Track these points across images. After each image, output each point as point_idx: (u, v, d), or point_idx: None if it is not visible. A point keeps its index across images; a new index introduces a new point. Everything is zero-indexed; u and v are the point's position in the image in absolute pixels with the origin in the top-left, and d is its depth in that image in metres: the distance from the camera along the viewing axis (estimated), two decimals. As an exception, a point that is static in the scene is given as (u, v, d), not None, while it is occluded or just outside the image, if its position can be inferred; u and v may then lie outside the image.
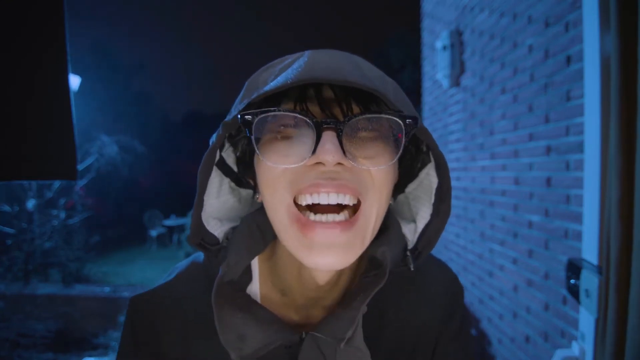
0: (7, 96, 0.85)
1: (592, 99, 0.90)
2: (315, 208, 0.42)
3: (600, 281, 0.83)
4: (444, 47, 3.06)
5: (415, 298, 0.54)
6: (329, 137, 0.38)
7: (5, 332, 4.23)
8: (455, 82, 3.05)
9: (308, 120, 0.38)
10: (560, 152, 1.75)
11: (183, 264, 0.55)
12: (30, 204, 5.97)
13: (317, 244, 0.40)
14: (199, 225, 0.46)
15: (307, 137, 0.39)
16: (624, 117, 0.74)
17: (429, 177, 0.49)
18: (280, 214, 0.42)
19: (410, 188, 0.53)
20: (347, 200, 0.41)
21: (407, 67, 12.61)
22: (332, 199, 0.40)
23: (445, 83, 3.16)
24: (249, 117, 0.39)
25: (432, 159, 0.47)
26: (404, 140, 0.40)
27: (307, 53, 0.44)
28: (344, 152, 0.38)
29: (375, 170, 0.41)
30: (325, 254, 0.40)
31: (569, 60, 1.68)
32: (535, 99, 1.95)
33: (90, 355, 4.24)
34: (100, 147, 7.73)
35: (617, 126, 0.75)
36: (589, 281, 0.87)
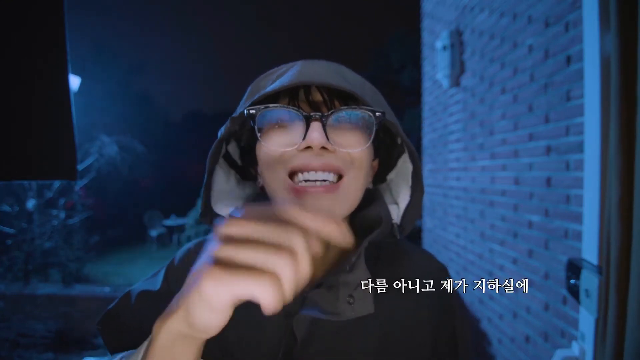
0: (7, 96, 0.85)
1: (592, 99, 0.90)
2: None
3: (600, 281, 0.83)
4: (444, 47, 3.06)
5: (406, 270, 0.58)
6: (315, 126, 0.48)
7: (5, 332, 4.23)
8: (455, 82, 3.06)
9: (299, 114, 0.48)
10: (560, 152, 1.75)
11: (194, 241, 0.65)
12: (30, 204, 5.97)
13: (307, 205, 0.46)
14: (208, 207, 0.56)
15: (298, 127, 0.49)
16: (624, 117, 0.74)
17: (405, 164, 0.60)
18: (278, 188, 0.51)
19: (391, 176, 0.63)
20: (331, 177, 0.50)
21: (407, 67, 12.60)
22: (319, 175, 0.50)
23: (445, 83, 3.16)
24: (253, 111, 0.49)
25: (405, 149, 0.58)
26: (374, 129, 0.50)
27: (299, 63, 0.54)
28: (327, 139, 0.48)
29: (354, 152, 0.50)
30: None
31: (569, 60, 1.68)
32: (535, 99, 1.95)
33: (90, 355, 4.23)
34: (100, 147, 7.72)
35: (617, 126, 0.75)
36: (589, 281, 0.87)
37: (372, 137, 0.50)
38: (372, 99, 0.53)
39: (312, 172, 0.49)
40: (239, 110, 0.53)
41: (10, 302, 4.75)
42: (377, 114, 0.49)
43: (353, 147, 0.50)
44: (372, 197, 0.59)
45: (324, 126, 0.48)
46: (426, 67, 4.07)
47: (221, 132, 0.53)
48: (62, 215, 6.45)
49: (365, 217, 0.57)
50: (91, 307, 5.12)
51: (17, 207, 5.88)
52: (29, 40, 0.85)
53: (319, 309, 0.48)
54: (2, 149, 0.85)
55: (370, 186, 0.61)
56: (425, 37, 4.08)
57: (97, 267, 6.95)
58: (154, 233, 9.76)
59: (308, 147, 0.48)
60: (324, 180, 0.50)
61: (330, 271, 0.52)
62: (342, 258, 0.57)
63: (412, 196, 0.58)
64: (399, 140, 0.58)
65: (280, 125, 0.50)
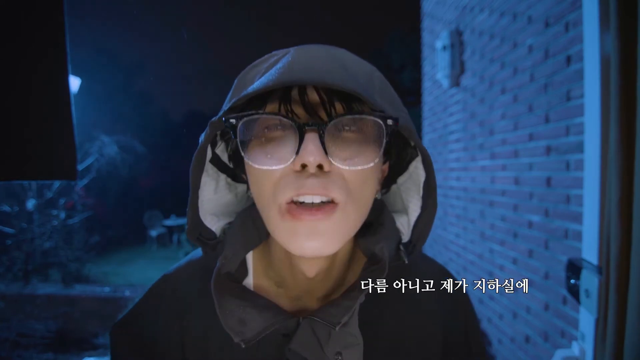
0: (7, 97, 0.85)
1: (592, 99, 0.90)
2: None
3: (600, 281, 0.83)
4: (444, 47, 3.06)
5: (411, 291, 0.54)
6: (311, 138, 0.38)
7: (5, 332, 4.23)
8: (455, 82, 3.06)
9: (291, 123, 0.39)
10: (560, 152, 1.75)
11: (180, 261, 0.57)
12: (30, 204, 5.97)
13: (302, 229, 0.41)
14: (196, 221, 0.48)
15: (290, 139, 0.40)
16: (624, 117, 0.74)
17: (417, 170, 0.50)
18: (271, 213, 0.43)
19: (401, 179, 0.54)
20: (329, 199, 0.42)
21: (407, 67, 12.59)
22: (316, 199, 0.41)
23: (445, 83, 3.16)
24: (233, 120, 0.40)
25: (418, 153, 0.48)
26: (384, 140, 0.40)
27: (292, 51, 0.44)
28: (326, 153, 0.39)
29: (356, 170, 0.41)
30: (310, 239, 0.41)
31: (569, 60, 1.68)
32: (535, 99, 1.95)
33: (90, 356, 4.23)
34: (100, 147, 7.72)
35: (617, 126, 0.75)
36: (589, 281, 0.87)
37: (382, 151, 0.41)
38: (382, 96, 0.44)
39: (307, 196, 0.41)
40: (223, 110, 0.44)
41: (10, 302, 4.75)
42: (389, 121, 0.39)
43: (356, 164, 0.41)
44: (380, 215, 0.52)
45: (321, 137, 0.39)
46: (426, 67, 4.07)
47: (201, 139, 0.44)
48: (62, 215, 6.45)
49: (369, 248, 0.50)
50: (91, 307, 5.12)
51: (17, 207, 5.88)
52: (29, 41, 0.85)
53: (309, 352, 0.44)
54: (2, 149, 0.85)
55: (379, 196, 0.53)
56: (425, 37, 4.08)
57: (97, 267, 6.94)
58: (154, 233, 9.76)
59: (303, 164, 0.40)
60: (321, 202, 0.42)
61: (329, 298, 0.49)
62: (345, 283, 0.53)
63: (423, 209, 0.50)
64: (412, 143, 0.50)
65: (267, 136, 0.41)
